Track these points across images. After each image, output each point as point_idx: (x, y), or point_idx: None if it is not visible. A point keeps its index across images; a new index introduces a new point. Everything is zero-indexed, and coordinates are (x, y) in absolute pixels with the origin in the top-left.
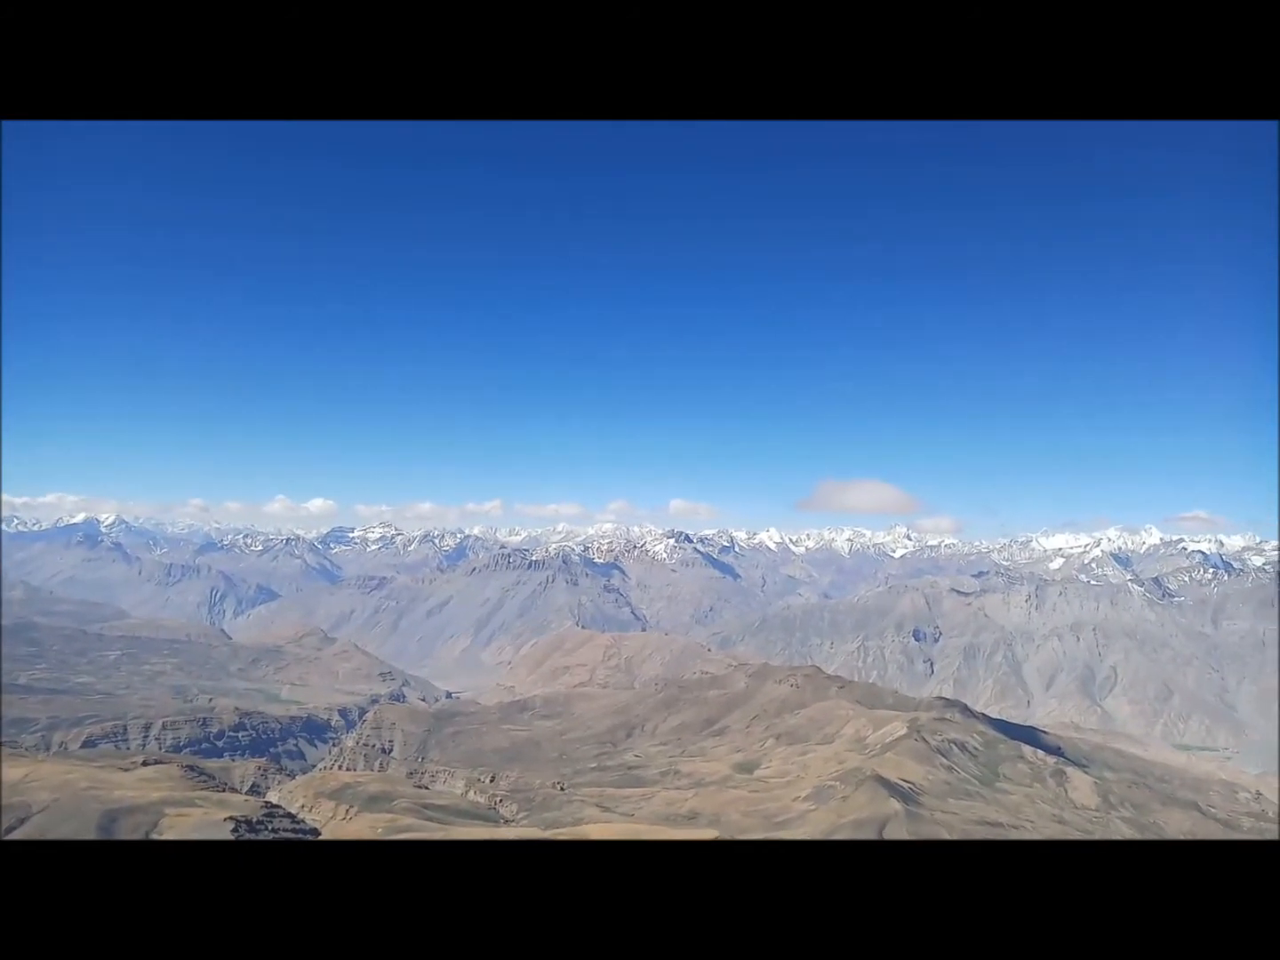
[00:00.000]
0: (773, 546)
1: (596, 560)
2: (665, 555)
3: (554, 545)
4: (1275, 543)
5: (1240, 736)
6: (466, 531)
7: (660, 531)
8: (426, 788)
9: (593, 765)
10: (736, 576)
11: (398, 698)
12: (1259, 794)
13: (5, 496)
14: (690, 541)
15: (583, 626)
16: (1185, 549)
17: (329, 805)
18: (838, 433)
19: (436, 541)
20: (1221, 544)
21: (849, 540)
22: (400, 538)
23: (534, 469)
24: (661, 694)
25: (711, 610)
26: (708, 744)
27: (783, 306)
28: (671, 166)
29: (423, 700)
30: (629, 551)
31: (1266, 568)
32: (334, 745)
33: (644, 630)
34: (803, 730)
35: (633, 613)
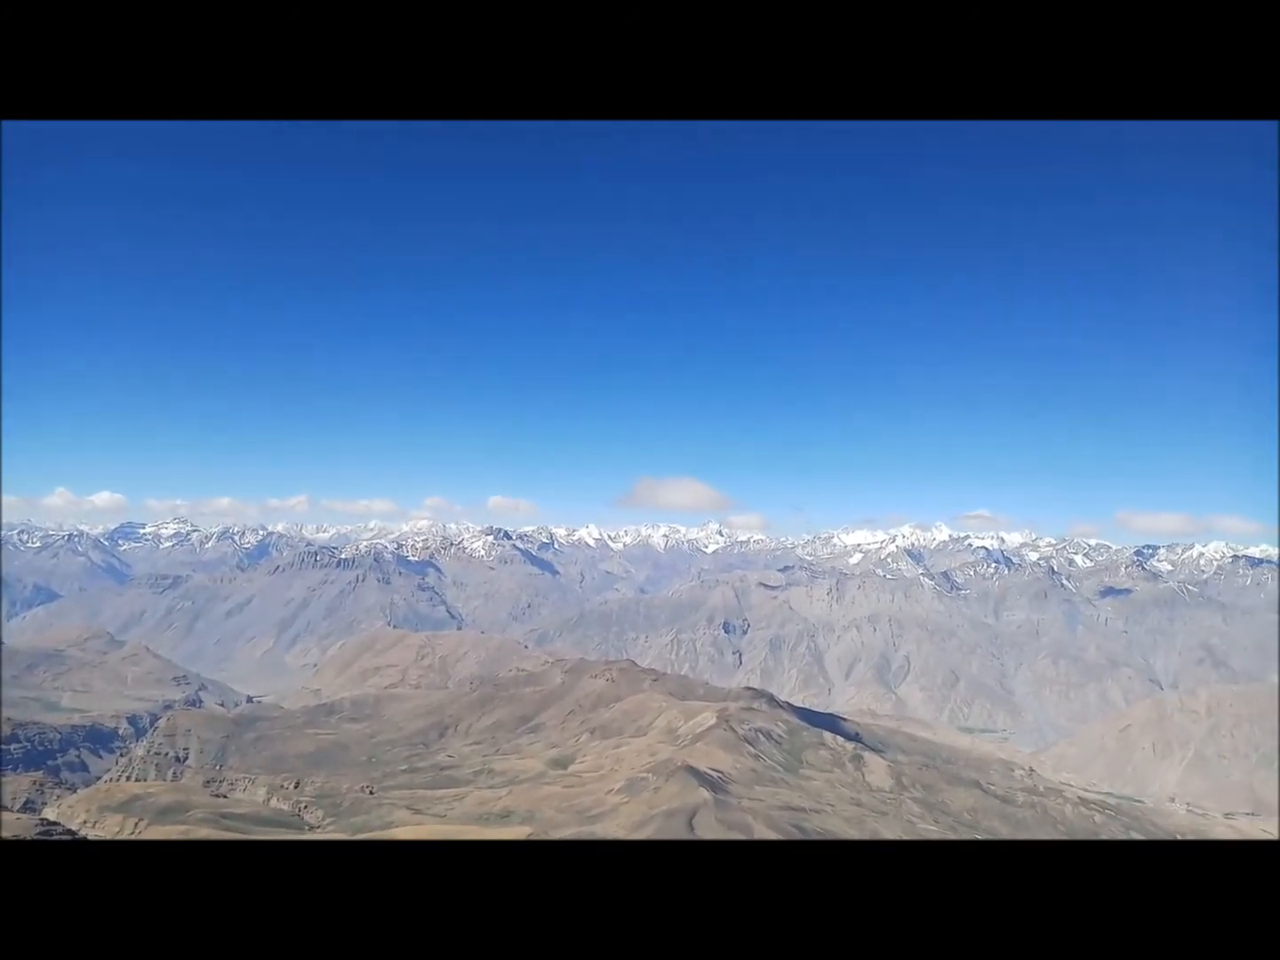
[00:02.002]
0: (591, 543)
1: (410, 558)
2: (483, 552)
3: (365, 543)
4: (1048, 540)
5: (1017, 718)
6: (269, 528)
7: (478, 528)
8: (224, 796)
9: (404, 767)
10: (555, 573)
11: (193, 703)
12: (1031, 770)
13: None
14: (509, 538)
15: (395, 626)
16: (971, 545)
17: (115, 819)
18: (657, 431)
19: (236, 538)
20: (1002, 541)
21: (665, 536)
22: (197, 534)
23: (344, 463)
24: (476, 693)
25: (529, 607)
26: (522, 741)
27: (601, 306)
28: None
29: (221, 705)
30: (445, 549)
31: (1041, 562)
32: (122, 755)
33: (460, 629)
34: (617, 724)
35: (448, 611)
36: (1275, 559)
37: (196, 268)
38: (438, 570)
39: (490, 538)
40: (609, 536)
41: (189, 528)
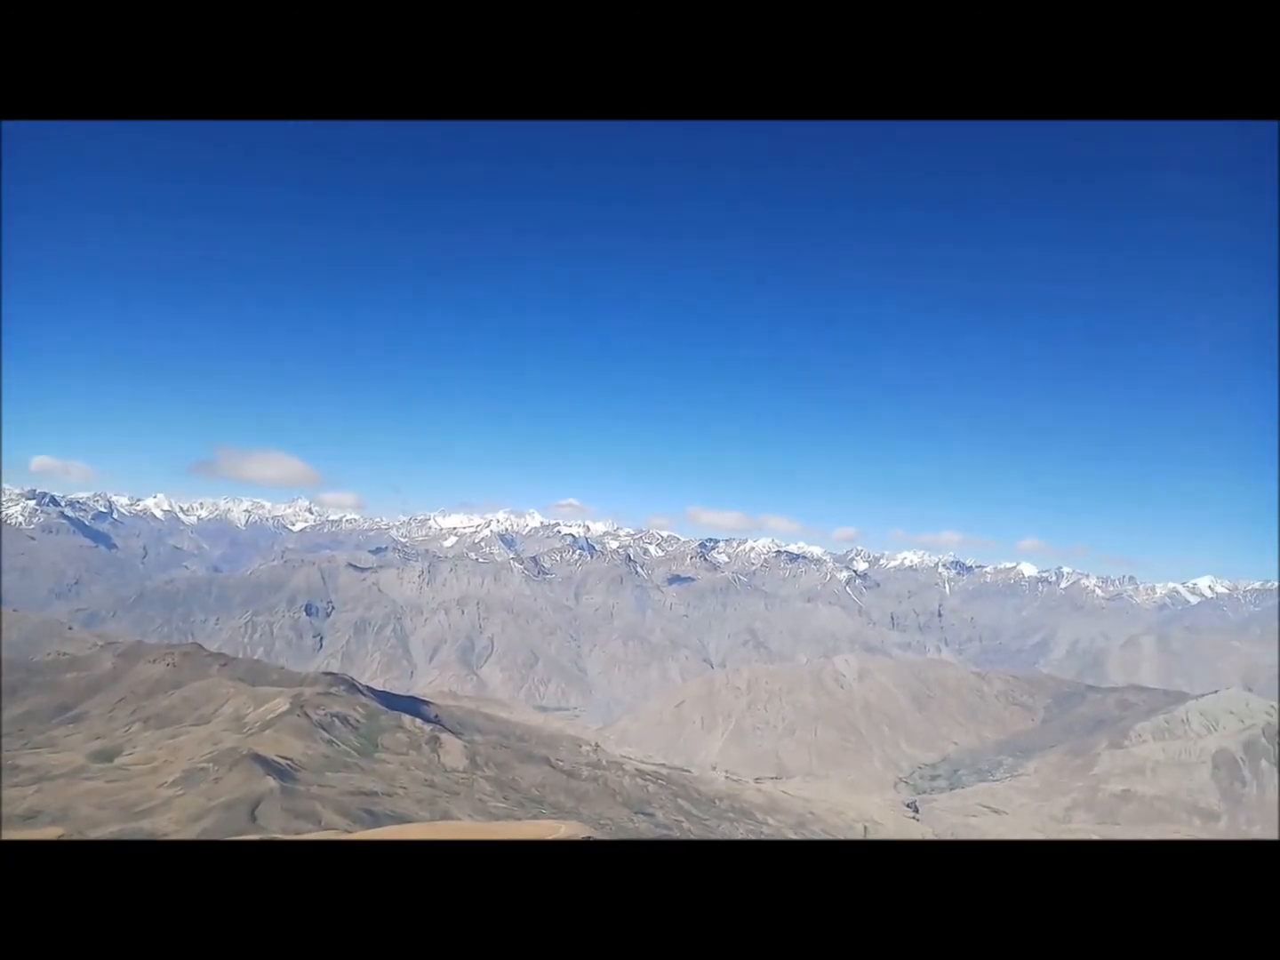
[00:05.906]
0: (159, 515)
1: None
2: (22, 519)
3: None
4: (628, 530)
5: (588, 696)
6: None
7: (17, 491)
8: None
9: None
10: (112, 546)
11: None
12: (597, 746)
13: None
14: (56, 505)
15: None
16: (560, 532)
17: None
18: (241, 398)
19: None
20: (588, 529)
21: (246, 511)
22: None
23: None
24: (3, 679)
25: (78, 583)
26: (59, 733)
27: (180, 261)
28: None
29: None
30: None
31: (620, 550)
32: None
33: None
34: (176, 712)
35: None
36: (810, 555)
37: None
38: None
39: (32, 503)
40: (180, 509)
41: None
